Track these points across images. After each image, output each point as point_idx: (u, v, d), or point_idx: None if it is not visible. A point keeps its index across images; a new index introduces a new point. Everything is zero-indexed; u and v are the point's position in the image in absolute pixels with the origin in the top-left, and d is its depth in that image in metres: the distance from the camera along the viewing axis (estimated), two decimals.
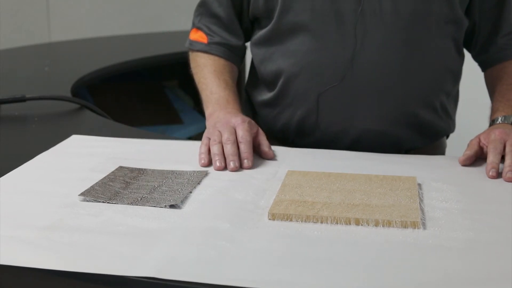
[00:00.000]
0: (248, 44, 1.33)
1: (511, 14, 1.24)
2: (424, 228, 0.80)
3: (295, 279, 0.68)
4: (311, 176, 0.97)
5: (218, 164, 1.02)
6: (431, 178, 0.98)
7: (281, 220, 0.83)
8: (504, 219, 0.83)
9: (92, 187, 0.92)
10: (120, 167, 1.01)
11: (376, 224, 0.81)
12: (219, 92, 1.20)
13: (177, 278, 0.68)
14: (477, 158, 1.06)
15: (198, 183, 0.95)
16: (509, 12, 1.23)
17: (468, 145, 1.08)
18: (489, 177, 0.99)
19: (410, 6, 1.15)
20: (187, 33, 1.33)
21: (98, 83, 2.16)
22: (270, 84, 1.26)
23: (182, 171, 1.00)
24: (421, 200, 0.89)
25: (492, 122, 1.15)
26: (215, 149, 1.04)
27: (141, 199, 0.89)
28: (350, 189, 0.91)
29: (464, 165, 1.05)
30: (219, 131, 1.07)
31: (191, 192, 0.92)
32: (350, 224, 0.82)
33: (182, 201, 0.88)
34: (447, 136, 1.36)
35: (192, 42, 1.31)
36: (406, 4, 1.15)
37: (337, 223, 0.82)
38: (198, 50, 1.29)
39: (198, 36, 1.30)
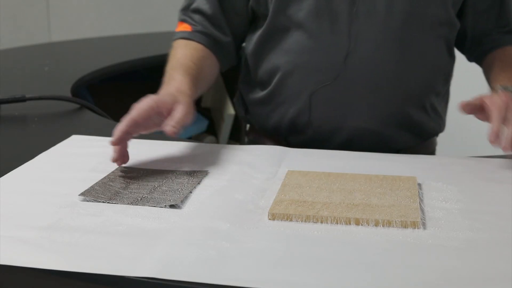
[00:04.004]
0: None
1: (509, 14, 1.26)
2: (424, 228, 0.80)
3: (295, 279, 0.68)
4: (311, 176, 0.97)
5: None
6: (431, 178, 0.98)
7: (281, 220, 0.83)
8: (504, 219, 0.83)
9: (92, 187, 0.92)
10: (120, 167, 1.01)
11: (376, 224, 0.81)
12: (174, 71, 1.14)
13: (177, 278, 0.68)
14: (474, 113, 1.05)
15: (198, 183, 0.95)
16: (506, 13, 1.26)
17: (473, 99, 1.06)
18: (489, 140, 0.97)
19: (404, 7, 1.16)
20: None
21: (98, 83, 2.16)
22: (264, 82, 1.27)
23: (182, 171, 1.00)
24: (421, 200, 0.89)
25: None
26: None
27: (141, 199, 0.89)
28: (350, 189, 0.91)
29: (463, 109, 1.03)
30: None
31: (191, 192, 0.92)
32: (350, 224, 0.82)
33: (182, 201, 0.88)
34: (437, 135, 1.37)
35: (176, 33, 1.28)
36: (400, 4, 1.16)
37: (337, 223, 0.82)
38: (180, 38, 1.27)
39: (182, 27, 1.28)
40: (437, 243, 0.76)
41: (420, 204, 0.87)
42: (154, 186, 0.94)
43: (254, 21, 1.28)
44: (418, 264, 0.71)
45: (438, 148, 1.39)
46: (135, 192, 0.92)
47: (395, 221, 0.81)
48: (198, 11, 1.27)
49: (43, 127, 1.30)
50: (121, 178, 0.97)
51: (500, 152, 1.03)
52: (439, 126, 1.32)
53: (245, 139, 1.46)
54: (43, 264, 0.71)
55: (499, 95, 1.04)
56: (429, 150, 1.34)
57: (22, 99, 1.38)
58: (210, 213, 0.85)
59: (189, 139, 2.08)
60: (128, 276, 0.69)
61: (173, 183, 0.95)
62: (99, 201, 0.88)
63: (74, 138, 1.17)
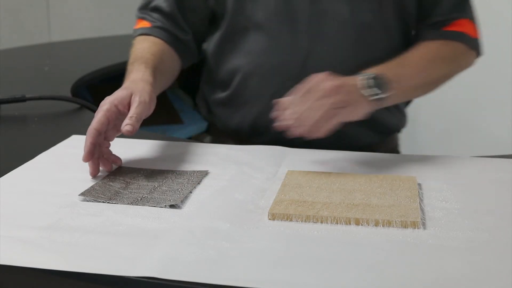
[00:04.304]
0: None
1: (441, 8, 1.22)
2: (424, 228, 0.80)
3: (295, 279, 0.68)
4: (311, 176, 0.97)
5: None
6: (431, 178, 0.98)
7: (281, 220, 0.83)
8: (504, 219, 0.83)
9: (92, 187, 0.92)
10: (120, 167, 1.01)
11: (376, 224, 0.81)
12: (132, 66, 1.13)
13: (177, 278, 0.68)
14: None
15: (198, 183, 0.95)
16: (439, 6, 1.22)
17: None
18: (275, 116, 0.98)
19: (363, 5, 1.16)
20: None
21: (98, 83, 2.16)
22: (225, 83, 1.26)
23: (182, 171, 1.00)
24: (421, 200, 0.89)
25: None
26: None
27: (141, 199, 0.89)
28: (350, 189, 0.91)
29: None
30: None
31: (191, 192, 0.92)
32: (350, 224, 0.82)
33: (182, 201, 0.88)
34: (399, 131, 1.37)
35: (135, 30, 1.27)
36: (359, 3, 1.15)
37: (337, 223, 0.82)
38: (140, 34, 1.26)
39: (141, 24, 1.27)
40: (437, 243, 0.76)
41: (420, 204, 0.87)
42: (154, 186, 0.94)
43: (214, 21, 1.27)
44: (418, 264, 0.71)
45: (402, 144, 1.39)
46: (135, 192, 0.92)
47: (395, 221, 0.81)
48: (156, 9, 1.26)
49: (43, 127, 1.30)
50: (121, 178, 0.97)
51: (499, 152, 1.03)
52: (401, 122, 1.32)
53: (208, 139, 1.46)
54: (43, 264, 0.71)
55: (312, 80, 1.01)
56: (391, 146, 1.34)
57: (22, 99, 1.38)
58: (210, 213, 0.85)
59: (189, 139, 2.08)
60: (128, 276, 0.69)
61: (173, 183, 0.95)
62: (99, 201, 0.88)
63: (74, 138, 1.17)
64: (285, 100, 1.00)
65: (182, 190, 0.92)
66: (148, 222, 0.82)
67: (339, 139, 1.10)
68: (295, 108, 0.98)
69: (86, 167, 1.01)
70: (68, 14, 3.30)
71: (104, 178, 0.96)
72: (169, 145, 1.14)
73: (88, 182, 0.95)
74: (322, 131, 0.99)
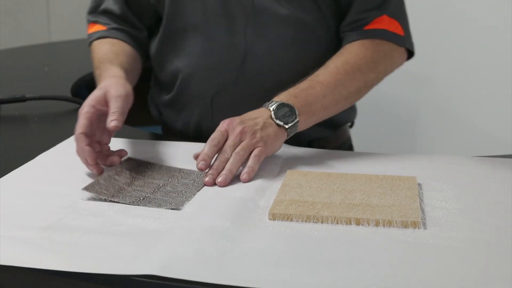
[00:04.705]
0: None
1: (358, 6, 1.19)
2: (425, 228, 0.80)
3: (295, 279, 0.68)
4: (311, 176, 0.97)
5: None
6: (431, 178, 0.98)
7: (282, 220, 0.83)
8: (504, 219, 0.83)
9: (97, 180, 0.92)
10: (129, 158, 1.02)
11: (377, 224, 0.81)
12: (98, 70, 1.14)
13: (178, 277, 0.68)
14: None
15: (203, 185, 0.95)
16: (356, 4, 1.19)
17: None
18: (197, 169, 0.96)
19: (302, 4, 1.16)
20: None
21: None
22: (168, 85, 1.26)
23: (190, 170, 1.00)
24: (421, 200, 0.89)
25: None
26: None
27: (143, 198, 0.89)
28: (350, 189, 0.91)
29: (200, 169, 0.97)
30: None
31: (194, 195, 0.91)
32: (350, 224, 0.82)
33: (183, 204, 0.88)
34: (352, 125, 1.36)
35: (91, 35, 1.26)
36: (298, 2, 1.15)
37: (337, 223, 0.82)
38: (97, 38, 1.25)
39: (95, 28, 1.27)
40: (438, 243, 0.76)
41: (420, 204, 0.87)
42: (159, 184, 0.94)
43: (158, 22, 1.26)
44: (418, 264, 0.71)
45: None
46: (138, 190, 0.91)
47: (396, 221, 0.81)
48: (107, 12, 1.26)
49: (43, 127, 1.30)
50: (127, 172, 0.97)
51: (499, 152, 1.03)
52: (349, 115, 1.30)
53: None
54: (43, 264, 0.71)
55: (224, 122, 1.00)
56: (342, 139, 1.33)
57: (22, 99, 1.38)
58: (210, 213, 0.85)
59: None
60: (128, 276, 0.69)
61: (178, 183, 0.95)
62: (101, 197, 0.88)
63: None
64: (203, 153, 0.97)
65: (186, 192, 0.92)
66: (149, 222, 0.82)
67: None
68: (216, 164, 0.96)
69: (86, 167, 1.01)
70: (68, 14, 3.29)
71: (110, 171, 0.96)
72: (170, 145, 1.14)
73: (88, 182, 0.94)
74: (253, 172, 0.97)
